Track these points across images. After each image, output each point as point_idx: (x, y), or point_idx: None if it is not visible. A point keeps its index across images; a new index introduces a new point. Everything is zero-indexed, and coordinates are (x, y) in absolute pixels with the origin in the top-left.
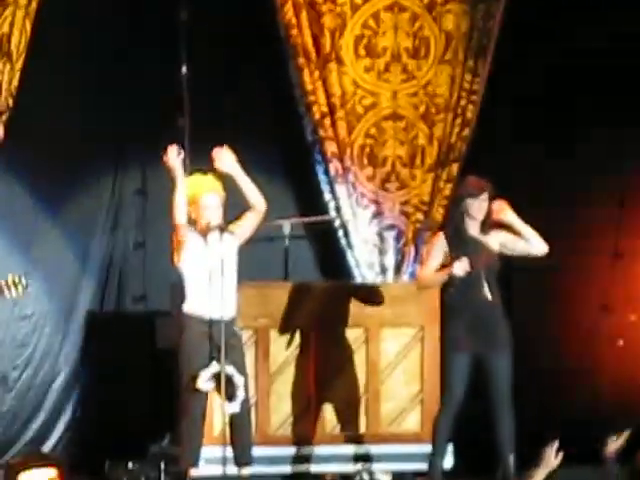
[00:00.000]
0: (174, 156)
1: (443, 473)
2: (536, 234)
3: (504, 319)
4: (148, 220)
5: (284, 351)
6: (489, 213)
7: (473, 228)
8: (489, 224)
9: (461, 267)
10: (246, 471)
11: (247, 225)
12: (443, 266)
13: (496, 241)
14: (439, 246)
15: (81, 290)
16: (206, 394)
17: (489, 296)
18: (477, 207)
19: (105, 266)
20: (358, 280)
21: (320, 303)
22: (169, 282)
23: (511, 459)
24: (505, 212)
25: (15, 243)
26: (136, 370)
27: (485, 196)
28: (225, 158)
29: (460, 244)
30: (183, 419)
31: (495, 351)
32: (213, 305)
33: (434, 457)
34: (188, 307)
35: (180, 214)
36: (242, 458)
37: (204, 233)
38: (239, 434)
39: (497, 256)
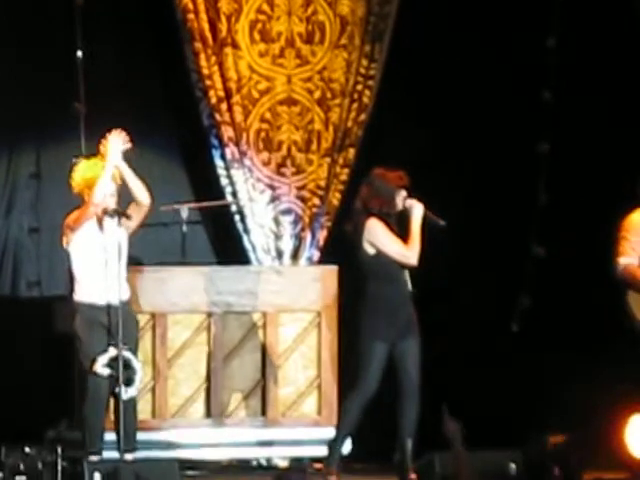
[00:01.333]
0: (119, 142)
1: (341, 458)
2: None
3: (413, 306)
4: (42, 204)
5: (181, 336)
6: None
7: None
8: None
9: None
10: (130, 457)
11: (133, 217)
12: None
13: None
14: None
15: None
16: (106, 379)
17: (410, 286)
18: (400, 200)
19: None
20: (254, 264)
21: (217, 287)
22: (64, 267)
23: (409, 444)
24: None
25: None
26: (32, 355)
27: (404, 193)
28: (114, 146)
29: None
30: (84, 405)
31: (407, 338)
32: (107, 290)
33: (335, 443)
34: (80, 293)
35: (100, 195)
36: (128, 444)
37: (99, 218)
38: (127, 420)
39: None
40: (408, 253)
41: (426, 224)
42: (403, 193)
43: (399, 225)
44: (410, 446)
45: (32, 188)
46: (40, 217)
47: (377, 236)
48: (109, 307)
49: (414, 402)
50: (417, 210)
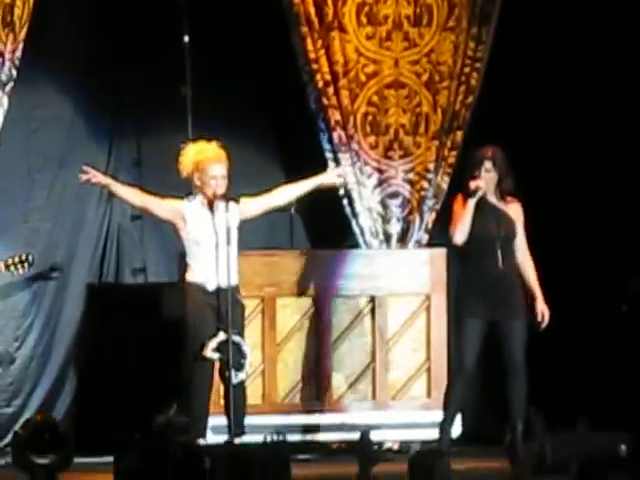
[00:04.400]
0: (93, 176)
1: (451, 441)
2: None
3: (518, 287)
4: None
5: (291, 319)
6: (500, 181)
7: (489, 196)
8: (505, 192)
9: (474, 184)
10: (240, 440)
11: (260, 207)
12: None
13: (515, 211)
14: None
15: (77, 261)
16: (212, 363)
17: (501, 264)
18: (484, 177)
19: (102, 236)
20: (363, 248)
21: (326, 271)
22: (168, 253)
23: (520, 426)
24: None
25: (12, 213)
26: (140, 342)
27: (489, 165)
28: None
29: (476, 211)
30: (190, 389)
31: (508, 318)
32: (217, 274)
33: (444, 424)
34: (191, 276)
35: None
36: (238, 427)
37: (209, 202)
38: (237, 404)
39: (515, 225)
40: (451, 232)
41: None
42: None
43: None
44: (520, 429)
45: (134, 175)
46: None
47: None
48: (219, 291)
49: (519, 384)
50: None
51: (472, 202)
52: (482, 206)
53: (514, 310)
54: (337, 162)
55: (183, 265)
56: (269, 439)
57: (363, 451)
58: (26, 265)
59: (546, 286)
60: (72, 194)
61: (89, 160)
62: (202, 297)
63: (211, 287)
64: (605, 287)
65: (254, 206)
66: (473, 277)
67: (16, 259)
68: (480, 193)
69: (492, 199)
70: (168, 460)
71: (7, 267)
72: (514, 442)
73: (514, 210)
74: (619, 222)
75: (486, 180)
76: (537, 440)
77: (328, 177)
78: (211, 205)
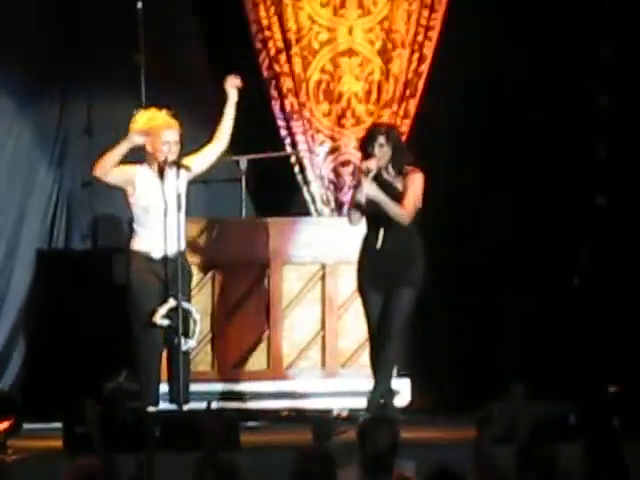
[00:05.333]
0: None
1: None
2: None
3: (409, 263)
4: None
5: (239, 287)
6: (394, 157)
7: (384, 173)
8: (400, 167)
9: (365, 164)
10: (188, 408)
11: (205, 160)
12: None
13: (410, 180)
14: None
15: (26, 225)
16: (162, 330)
17: (378, 244)
18: (377, 153)
19: (52, 202)
20: (314, 216)
21: (277, 238)
22: (115, 220)
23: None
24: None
25: None
26: (88, 308)
27: (382, 140)
28: (236, 82)
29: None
30: (139, 356)
31: (396, 287)
32: (165, 241)
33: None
34: (137, 244)
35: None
36: (184, 395)
37: (160, 169)
38: (183, 371)
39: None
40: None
41: None
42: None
43: None
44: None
45: (84, 141)
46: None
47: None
48: (166, 258)
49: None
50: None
51: (366, 182)
52: (378, 183)
53: (400, 280)
54: (289, 129)
55: (130, 232)
56: (215, 406)
57: (319, 431)
58: None
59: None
60: (22, 157)
61: (39, 124)
62: (147, 264)
63: (158, 254)
64: (557, 257)
65: (200, 160)
66: (362, 252)
67: None
68: (373, 172)
69: (387, 176)
70: (118, 426)
71: None
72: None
73: (410, 180)
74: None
75: (379, 156)
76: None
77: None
78: (161, 172)
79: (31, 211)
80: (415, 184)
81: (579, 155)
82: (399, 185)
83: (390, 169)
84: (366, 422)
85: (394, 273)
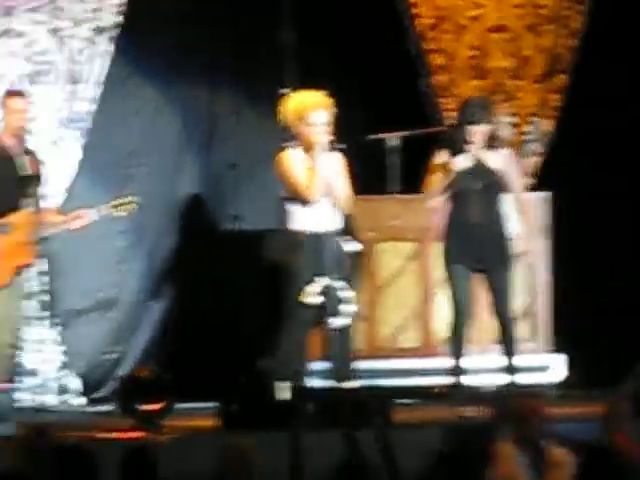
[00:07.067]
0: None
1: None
2: None
3: (501, 238)
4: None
5: (391, 264)
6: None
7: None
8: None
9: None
10: (348, 385)
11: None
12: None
13: (500, 159)
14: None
15: (176, 207)
16: (313, 309)
17: (475, 217)
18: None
19: (201, 183)
20: None
21: (429, 215)
22: (262, 200)
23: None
24: None
25: (107, 159)
26: (241, 286)
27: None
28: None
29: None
30: (289, 334)
31: (490, 269)
32: (320, 219)
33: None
34: (296, 223)
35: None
36: (344, 373)
37: (311, 150)
38: (342, 348)
39: (498, 175)
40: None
41: None
42: (474, 128)
43: None
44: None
45: (231, 123)
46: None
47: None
48: (319, 236)
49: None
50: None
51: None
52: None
53: (495, 260)
54: (438, 106)
55: (282, 211)
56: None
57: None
58: (134, 205)
59: None
60: (169, 140)
61: (186, 107)
62: (299, 242)
63: (312, 232)
64: None
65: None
66: (453, 226)
67: (123, 200)
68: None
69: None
70: (270, 404)
71: (115, 207)
72: None
73: (496, 157)
74: None
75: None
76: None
77: None
78: (313, 153)
79: (181, 193)
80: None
81: None
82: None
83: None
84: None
85: (488, 248)
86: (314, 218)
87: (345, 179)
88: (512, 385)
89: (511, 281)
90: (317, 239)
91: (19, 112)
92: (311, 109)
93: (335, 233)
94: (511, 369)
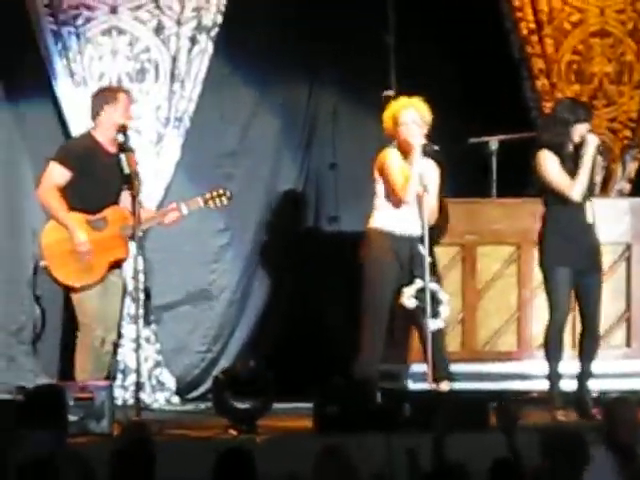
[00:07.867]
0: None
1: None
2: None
3: (598, 241)
4: (340, 141)
5: (491, 267)
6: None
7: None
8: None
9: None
10: (445, 386)
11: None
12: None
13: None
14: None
15: (273, 207)
16: (411, 311)
17: (589, 218)
18: (580, 131)
19: (300, 184)
20: None
21: (528, 218)
22: (360, 203)
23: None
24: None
25: (204, 159)
26: (338, 287)
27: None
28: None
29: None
30: (364, 334)
31: (592, 273)
32: (411, 220)
33: (550, 377)
34: (379, 221)
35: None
36: (440, 374)
37: (406, 151)
38: (437, 349)
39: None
40: (569, 187)
41: None
42: (582, 127)
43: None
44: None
45: (330, 125)
46: (337, 154)
47: (540, 167)
48: (410, 238)
49: (592, 340)
50: (589, 145)
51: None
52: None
53: (594, 264)
54: (539, 111)
55: (372, 210)
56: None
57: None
58: (224, 199)
59: None
60: (268, 140)
61: (286, 107)
62: (389, 243)
63: (402, 234)
64: None
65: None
66: (560, 223)
67: (214, 193)
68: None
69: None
70: (369, 406)
71: (206, 202)
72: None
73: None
74: None
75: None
76: None
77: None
78: (404, 153)
79: (279, 194)
80: None
81: None
82: None
83: None
84: (610, 402)
85: (591, 252)
86: (404, 220)
87: (436, 189)
88: (606, 391)
89: (602, 286)
90: (408, 241)
91: (125, 109)
92: (402, 108)
93: (426, 234)
94: (588, 374)
